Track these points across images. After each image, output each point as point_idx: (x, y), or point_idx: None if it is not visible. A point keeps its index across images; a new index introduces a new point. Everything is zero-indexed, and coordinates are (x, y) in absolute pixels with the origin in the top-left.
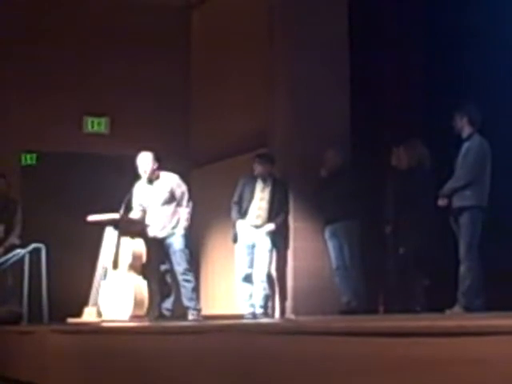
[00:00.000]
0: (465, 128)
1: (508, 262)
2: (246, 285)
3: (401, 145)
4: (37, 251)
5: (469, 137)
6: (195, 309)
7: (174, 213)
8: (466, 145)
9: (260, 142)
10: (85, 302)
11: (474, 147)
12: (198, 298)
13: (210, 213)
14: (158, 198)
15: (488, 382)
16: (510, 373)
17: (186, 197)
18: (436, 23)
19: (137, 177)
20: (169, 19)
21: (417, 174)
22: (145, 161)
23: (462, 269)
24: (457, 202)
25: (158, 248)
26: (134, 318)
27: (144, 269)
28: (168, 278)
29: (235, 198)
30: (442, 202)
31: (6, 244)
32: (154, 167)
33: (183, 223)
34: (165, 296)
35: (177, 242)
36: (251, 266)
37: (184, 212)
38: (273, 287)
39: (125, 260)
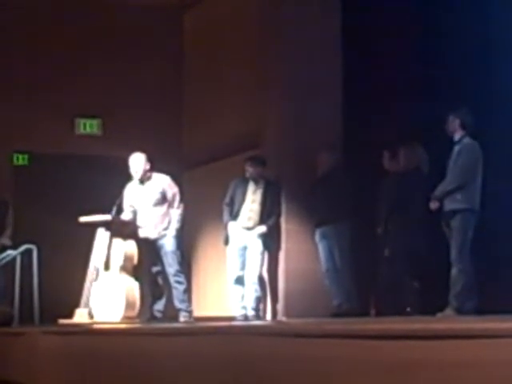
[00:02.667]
0: (457, 131)
1: (499, 264)
2: (238, 287)
3: (401, 146)
4: (28, 252)
5: (460, 140)
6: (187, 310)
7: (166, 214)
8: (457, 148)
9: (252, 143)
10: (76, 304)
11: (465, 150)
12: (189, 300)
13: (202, 214)
14: (149, 198)
15: None
16: (501, 376)
17: (178, 198)
18: (432, 26)
19: (129, 178)
20: (161, 21)
21: (413, 177)
22: (137, 161)
23: (454, 272)
24: (448, 205)
25: (150, 249)
26: (125, 319)
27: (136, 270)
28: (160, 280)
29: (227, 200)
30: (433, 205)
31: None
32: (146, 168)
33: (175, 225)
34: (156, 298)
35: (168, 244)
36: (243, 268)
37: (175, 213)
38: (264, 289)
39: (116, 261)
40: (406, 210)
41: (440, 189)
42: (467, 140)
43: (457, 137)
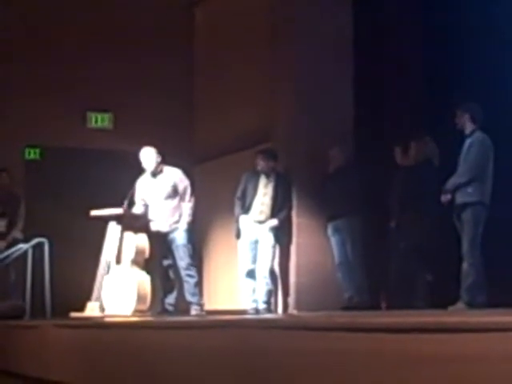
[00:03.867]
0: (467, 125)
1: (510, 257)
2: (249, 280)
3: (411, 141)
4: (40, 246)
5: (471, 133)
6: (198, 304)
7: (177, 207)
8: (468, 141)
9: (263, 137)
10: (88, 297)
11: (476, 144)
12: (200, 293)
13: (213, 208)
14: (160, 192)
15: (490, 378)
16: None
17: (189, 191)
18: (439, 21)
19: (140, 172)
20: (172, 15)
21: (423, 170)
22: (148, 155)
23: (465, 265)
24: (459, 199)
25: (161, 243)
26: (136, 312)
27: (147, 264)
28: (171, 273)
29: (238, 194)
30: (444, 198)
31: (9, 238)
32: (158, 161)
33: (186, 218)
34: (167, 291)
35: (180, 237)
36: (254, 261)
37: (187, 207)
38: (276, 283)
39: (128, 255)
40: (418, 204)
41: (451, 182)
42: (478, 133)
43: (468, 130)
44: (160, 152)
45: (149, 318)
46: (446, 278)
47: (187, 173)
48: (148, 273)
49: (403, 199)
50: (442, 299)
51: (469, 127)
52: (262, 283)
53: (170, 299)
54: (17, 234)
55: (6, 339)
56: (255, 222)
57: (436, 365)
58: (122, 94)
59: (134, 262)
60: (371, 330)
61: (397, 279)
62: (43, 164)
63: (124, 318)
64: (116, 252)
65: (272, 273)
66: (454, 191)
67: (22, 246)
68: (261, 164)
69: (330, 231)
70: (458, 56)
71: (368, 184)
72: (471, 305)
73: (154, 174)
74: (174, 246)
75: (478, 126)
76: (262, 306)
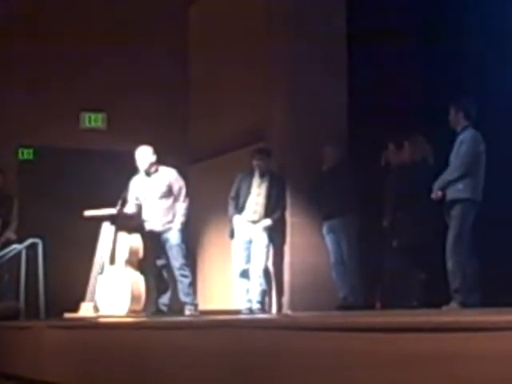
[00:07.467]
0: (460, 121)
1: (504, 257)
2: (243, 280)
3: (406, 139)
4: (33, 246)
5: (462, 130)
6: (192, 304)
7: (171, 207)
8: (459, 138)
9: (258, 137)
10: (82, 297)
11: (467, 140)
12: (194, 294)
13: (207, 208)
14: (155, 191)
15: (484, 378)
16: (506, 369)
17: (184, 192)
18: (435, 19)
19: (134, 172)
20: (167, 14)
21: (420, 169)
22: (143, 154)
23: (449, 264)
24: (450, 195)
25: (155, 243)
26: (131, 313)
27: (141, 264)
28: (165, 273)
29: (232, 194)
30: (435, 195)
31: (3, 239)
32: (152, 161)
33: (180, 218)
34: (162, 291)
35: (174, 237)
36: (248, 261)
37: (181, 207)
38: (270, 283)
39: (122, 255)
40: (415, 202)
41: (442, 178)
42: (469, 130)
43: (460, 127)
44: (155, 151)
45: (143, 319)
46: (440, 277)
47: (181, 172)
48: (142, 273)
49: (398, 198)
50: (437, 298)
51: (461, 124)
52: (256, 283)
53: (164, 299)
54: (10, 234)
55: None
56: (249, 222)
57: (430, 364)
58: (115, 93)
59: (128, 262)
60: (366, 329)
61: (391, 278)
62: (36, 164)
63: (118, 319)
64: (110, 252)
65: (266, 273)
66: (445, 188)
67: (16, 247)
68: (259, 164)
69: (324, 230)
70: (452, 55)
71: (362, 183)
72: (464, 304)
73: (149, 173)
74: (167, 246)
75: (471, 123)
76: (256, 306)
